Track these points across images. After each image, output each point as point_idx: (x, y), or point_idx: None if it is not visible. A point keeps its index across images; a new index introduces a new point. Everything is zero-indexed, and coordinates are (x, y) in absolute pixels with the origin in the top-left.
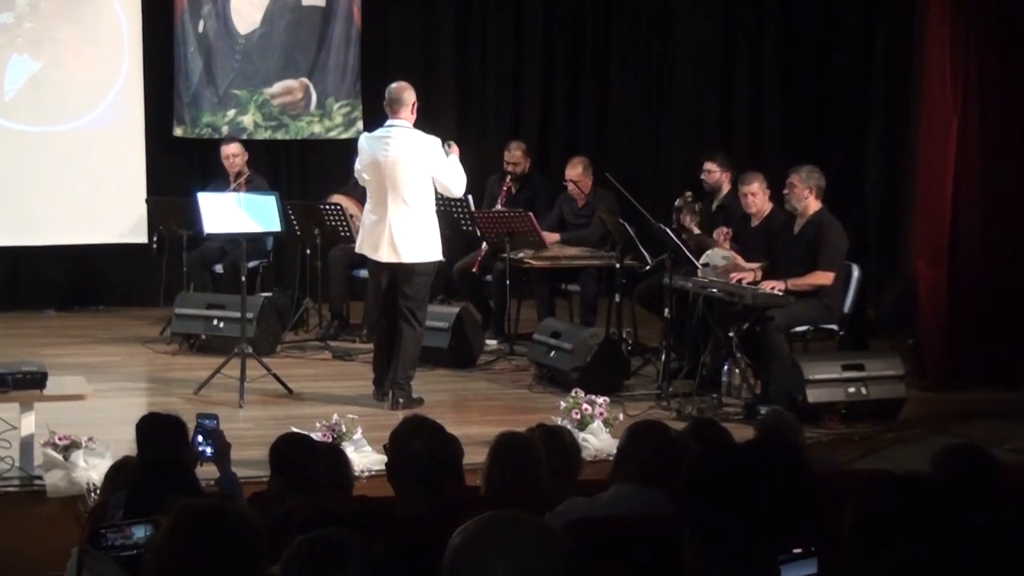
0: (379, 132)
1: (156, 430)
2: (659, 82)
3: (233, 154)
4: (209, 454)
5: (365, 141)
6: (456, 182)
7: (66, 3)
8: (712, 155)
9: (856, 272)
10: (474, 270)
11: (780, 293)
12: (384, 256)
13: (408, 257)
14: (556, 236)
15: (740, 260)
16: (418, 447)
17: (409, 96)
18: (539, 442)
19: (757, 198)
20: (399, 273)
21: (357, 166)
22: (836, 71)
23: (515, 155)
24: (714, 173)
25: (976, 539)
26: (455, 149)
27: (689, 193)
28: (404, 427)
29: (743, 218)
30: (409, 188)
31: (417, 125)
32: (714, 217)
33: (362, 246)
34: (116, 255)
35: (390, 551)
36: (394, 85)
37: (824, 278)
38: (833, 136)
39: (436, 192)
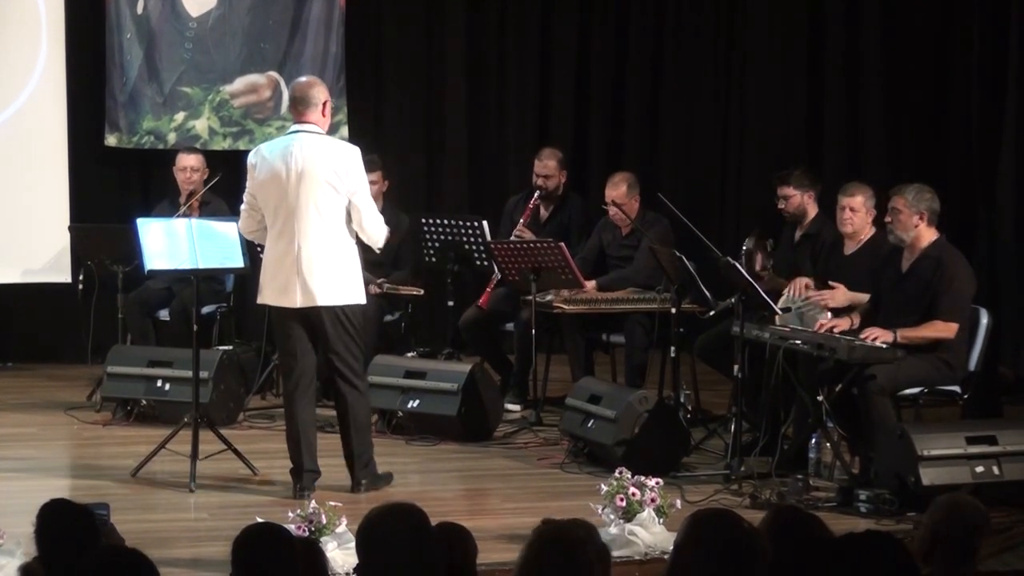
0: (279, 141)
1: (59, 523)
2: (726, 77)
3: (193, 167)
4: None
5: (257, 154)
6: (377, 223)
7: None
8: (784, 176)
9: (985, 319)
10: (480, 303)
11: (884, 345)
12: (297, 300)
13: (328, 299)
14: (591, 284)
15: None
16: (397, 543)
17: (320, 94)
18: (589, 542)
19: (858, 216)
20: (318, 322)
21: (248, 191)
22: (955, 63)
23: (548, 165)
24: (794, 198)
25: None
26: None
27: (757, 231)
28: (376, 517)
29: (835, 246)
30: (324, 209)
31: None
32: (798, 250)
33: (264, 292)
34: (30, 298)
35: None
36: (301, 80)
37: (945, 330)
38: (953, 148)
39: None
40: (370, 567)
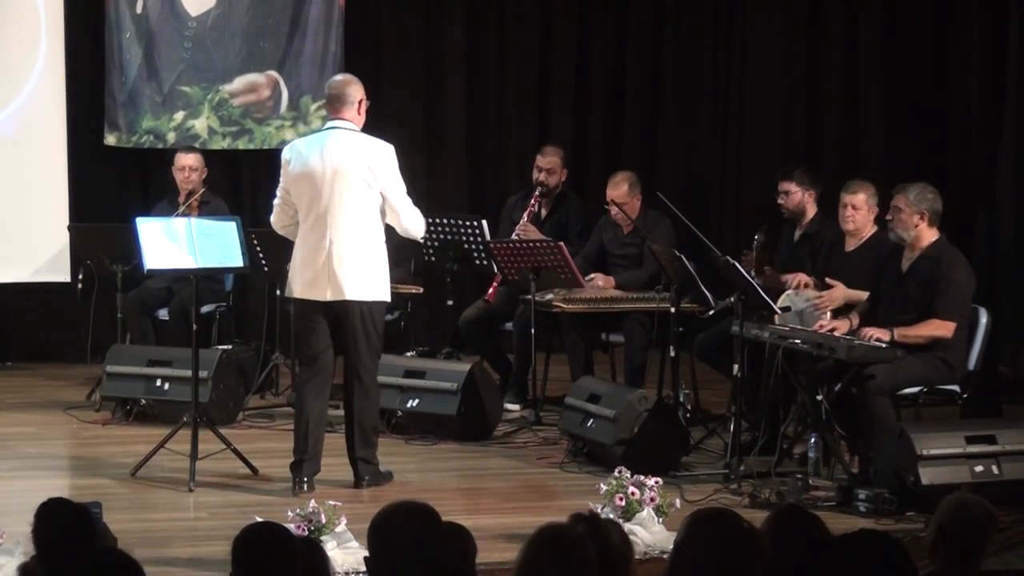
0: (315, 137)
1: (56, 522)
2: (726, 76)
3: (191, 167)
4: None
5: (292, 149)
6: (414, 218)
7: None
8: (788, 172)
9: (984, 319)
10: (488, 297)
11: (883, 344)
12: (327, 293)
13: (356, 294)
14: (611, 281)
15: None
16: (409, 540)
17: (355, 92)
18: (589, 541)
19: (860, 214)
20: (344, 317)
21: (281, 186)
22: (955, 63)
23: (551, 161)
24: (795, 194)
25: None
26: None
27: (765, 227)
28: (388, 514)
29: (836, 244)
30: (356, 205)
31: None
32: (798, 249)
33: (293, 286)
34: (30, 298)
35: None
36: (337, 78)
37: (943, 329)
38: (953, 148)
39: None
40: (381, 563)
